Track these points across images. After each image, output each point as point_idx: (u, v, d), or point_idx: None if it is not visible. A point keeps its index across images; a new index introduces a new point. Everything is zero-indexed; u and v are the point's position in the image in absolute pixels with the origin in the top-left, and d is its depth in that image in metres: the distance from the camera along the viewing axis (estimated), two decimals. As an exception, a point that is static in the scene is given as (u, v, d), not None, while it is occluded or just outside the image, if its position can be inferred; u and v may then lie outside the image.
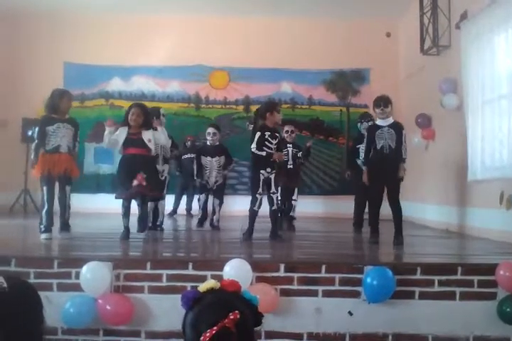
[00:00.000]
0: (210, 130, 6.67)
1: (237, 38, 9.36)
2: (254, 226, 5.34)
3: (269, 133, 5.34)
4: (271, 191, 5.34)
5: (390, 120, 5.28)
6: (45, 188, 5.04)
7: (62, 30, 9.23)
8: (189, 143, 8.54)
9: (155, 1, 8.73)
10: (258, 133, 5.33)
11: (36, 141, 5.12)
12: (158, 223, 6.16)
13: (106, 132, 5.18)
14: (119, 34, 9.29)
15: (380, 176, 5.21)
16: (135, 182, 5.05)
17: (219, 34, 9.38)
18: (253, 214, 5.36)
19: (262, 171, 5.31)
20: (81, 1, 8.63)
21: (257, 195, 5.31)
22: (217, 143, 6.67)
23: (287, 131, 6.83)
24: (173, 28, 9.36)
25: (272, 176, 5.35)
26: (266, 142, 5.31)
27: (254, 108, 9.49)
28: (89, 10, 8.95)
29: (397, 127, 5.22)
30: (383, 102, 5.26)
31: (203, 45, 9.32)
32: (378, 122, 5.31)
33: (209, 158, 6.53)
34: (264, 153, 5.28)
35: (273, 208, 5.35)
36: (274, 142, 5.37)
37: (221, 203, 6.58)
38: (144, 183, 5.09)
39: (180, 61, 9.30)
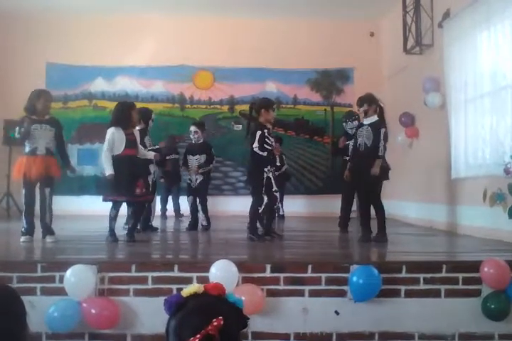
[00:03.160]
0: (192, 128, 6.62)
1: (221, 37, 9.32)
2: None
3: (266, 130, 5.32)
4: (273, 189, 5.31)
5: (372, 119, 5.32)
6: (24, 191, 4.99)
7: (44, 30, 9.11)
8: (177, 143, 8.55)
9: (138, 1, 8.66)
10: (259, 132, 5.23)
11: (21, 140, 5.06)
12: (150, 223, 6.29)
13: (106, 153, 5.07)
14: (102, 34, 9.19)
15: (356, 174, 5.37)
16: (138, 191, 5.04)
17: (203, 34, 9.33)
18: (257, 215, 5.35)
19: (265, 169, 5.28)
20: (63, 1, 8.52)
21: (263, 195, 5.29)
22: (201, 141, 6.59)
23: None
24: (156, 27, 9.30)
25: (271, 174, 5.33)
26: (266, 139, 5.27)
27: (239, 108, 9.54)
28: (72, 10, 8.85)
29: (374, 125, 5.25)
30: (359, 102, 5.43)
31: (187, 45, 9.27)
32: (363, 121, 5.43)
33: (191, 157, 6.47)
34: (265, 153, 5.24)
35: (275, 206, 5.47)
36: (272, 139, 5.39)
37: (202, 201, 6.43)
38: (144, 190, 5.12)
39: (164, 61, 9.25)
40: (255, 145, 5.21)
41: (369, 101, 5.36)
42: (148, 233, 6.06)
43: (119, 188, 5.02)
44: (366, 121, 5.34)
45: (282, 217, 8.34)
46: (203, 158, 6.43)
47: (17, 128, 5.11)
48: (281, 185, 8.04)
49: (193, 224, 6.47)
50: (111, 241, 5.01)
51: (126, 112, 5.20)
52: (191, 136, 6.62)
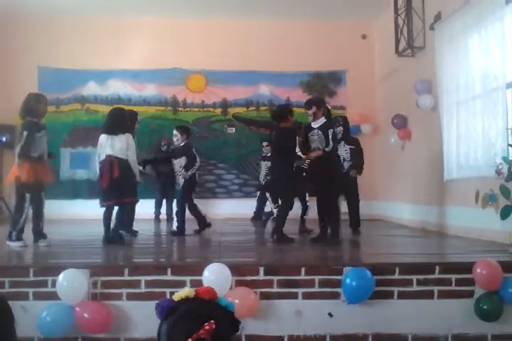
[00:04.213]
0: (173, 131, 6.50)
1: (214, 40, 9.32)
2: None
3: None
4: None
5: (321, 121, 5.37)
6: (28, 195, 4.92)
7: (37, 34, 9.08)
8: (165, 146, 8.53)
9: (131, 4, 8.64)
10: (298, 138, 5.46)
11: (24, 146, 4.91)
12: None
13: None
14: (95, 38, 9.16)
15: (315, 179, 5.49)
16: None
17: (195, 37, 9.32)
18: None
19: None
20: (55, 4, 8.49)
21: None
22: (182, 145, 6.40)
23: None
24: (149, 31, 9.28)
25: None
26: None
27: (232, 111, 9.54)
28: (64, 14, 8.82)
29: (323, 128, 5.30)
30: (306, 105, 5.47)
31: (180, 48, 9.25)
32: (312, 124, 5.44)
33: (174, 161, 6.39)
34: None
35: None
36: None
37: (177, 203, 6.36)
38: None
39: (157, 64, 9.22)
40: (298, 149, 5.44)
41: (317, 103, 5.44)
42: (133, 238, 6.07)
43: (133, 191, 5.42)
44: (315, 125, 5.38)
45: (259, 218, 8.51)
46: (183, 160, 6.28)
47: (25, 133, 4.93)
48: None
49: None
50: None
51: (128, 118, 5.55)
52: (174, 140, 6.53)
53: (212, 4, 8.58)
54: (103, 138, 5.41)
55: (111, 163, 5.23)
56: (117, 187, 5.21)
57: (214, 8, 8.71)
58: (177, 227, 6.18)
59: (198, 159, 6.34)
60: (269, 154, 8.60)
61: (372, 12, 8.88)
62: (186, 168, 6.23)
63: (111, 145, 5.28)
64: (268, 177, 8.51)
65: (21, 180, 4.89)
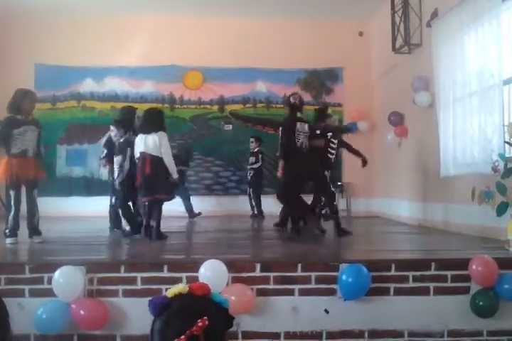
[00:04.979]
0: (110, 127, 6.24)
1: (210, 37, 9.31)
2: None
3: None
4: None
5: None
6: (12, 192, 4.92)
7: (33, 31, 9.05)
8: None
9: (128, 2, 8.62)
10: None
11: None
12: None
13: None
14: (92, 35, 9.14)
15: None
16: None
17: (192, 34, 9.31)
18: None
19: None
20: (52, 2, 8.47)
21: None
22: (121, 141, 5.90)
23: None
24: (146, 28, 9.27)
25: None
26: None
27: (229, 108, 9.54)
28: (61, 11, 8.79)
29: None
30: None
31: (177, 45, 9.25)
32: None
33: (115, 157, 5.95)
34: None
35: None
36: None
37: (120, 203, 5.86)
38: None
39: (154, 61, 9.21)
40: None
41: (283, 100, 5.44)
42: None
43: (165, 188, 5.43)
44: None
45: (256, 216, 8.50)
46: (120, 158, 5.77)
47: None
48: (257, 184, 8.29)
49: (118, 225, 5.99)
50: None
51: (163, 118, 5.68)
52: (112, 135, 6.21)
53: (209, 2, 8.56)
54: (138, 138, 5.47)
55: (143, 159, 5.31)
56: (150, 184, 5.29)
57: (211, 5, 8.69)
58: (132, 228, 5.69)
59: (126, 161, 5.70)
60: (255, 150, 8.64)
61: (369, 9, 8.87)
62: (122, 167, 5.74)
63: (145, 144, 5.34)
64: (251, 172, 8.57)
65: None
